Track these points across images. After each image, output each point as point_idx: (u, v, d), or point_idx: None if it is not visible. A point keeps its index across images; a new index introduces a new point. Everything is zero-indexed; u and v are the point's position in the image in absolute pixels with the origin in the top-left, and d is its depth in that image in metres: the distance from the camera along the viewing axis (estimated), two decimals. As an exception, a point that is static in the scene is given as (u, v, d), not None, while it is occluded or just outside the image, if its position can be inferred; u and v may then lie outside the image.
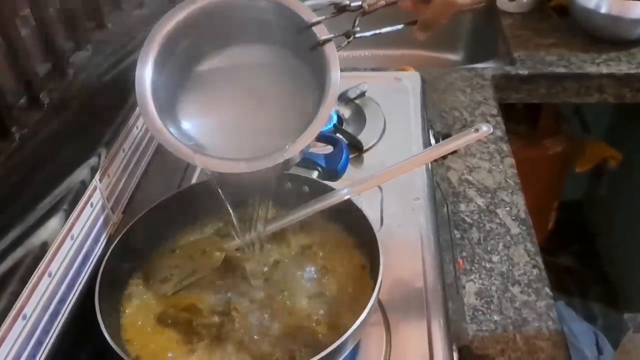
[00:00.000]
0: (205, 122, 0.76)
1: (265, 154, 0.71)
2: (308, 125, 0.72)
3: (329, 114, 0.73)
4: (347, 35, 0.78)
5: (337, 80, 0.73)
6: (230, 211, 0.76)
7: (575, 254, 2.32)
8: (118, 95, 0.85)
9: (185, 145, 0.71)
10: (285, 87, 0.78)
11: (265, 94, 0.78)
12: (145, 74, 0.73)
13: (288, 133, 0.73)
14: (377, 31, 0.80)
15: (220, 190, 0.74)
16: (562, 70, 1.53)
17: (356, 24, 0.78)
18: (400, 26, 0.83)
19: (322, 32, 0.74)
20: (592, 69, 1.52)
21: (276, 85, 0.78)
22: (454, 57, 1.90)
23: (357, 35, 0.78)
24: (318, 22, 0.75)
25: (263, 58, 0.78)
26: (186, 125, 0.76)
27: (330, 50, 0.74)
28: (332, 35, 0.74)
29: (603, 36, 1.61)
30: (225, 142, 0.75)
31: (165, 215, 0.83)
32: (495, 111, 1.40)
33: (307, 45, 0.75)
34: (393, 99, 1.21)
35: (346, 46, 0.78)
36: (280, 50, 0.78)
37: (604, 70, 1.52)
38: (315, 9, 0.76)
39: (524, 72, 1.53)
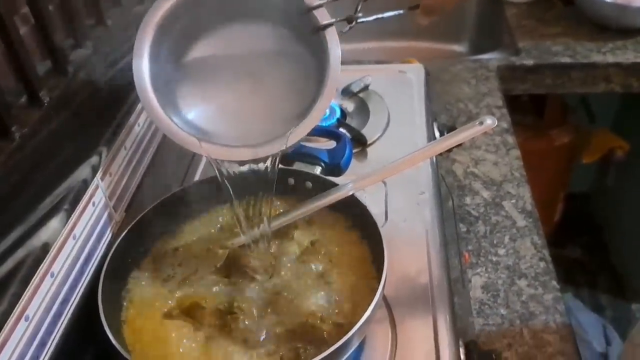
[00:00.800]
0: (206, 109, 0.76)
1: (267, 140, 0.71)
2: (309, 109, 0.72)
3: (330, 99, 0.72)
4: (349, 20, 0.77)
5: (338, 64, 0.73)
6: (234, 207, 0.75)
7: (583, 245, 2.31)
8: (119, 93, 0.85)
9: (188, 134, 0.71)
10: (285, 71, 0.77)
11: (264, 77, 0.77)
12: (143, 66, 0.73)
13: (289, 118, 0.73)
14: (380, 15, 0.79)
15: (226, 182, 0.74)
16: (568, 60, 1.52)
17: (358, 9, 0.77)
18: (402, 11, 0.82)
19: (323, 17, 0.74)
20: (598, 58, 1.51)
21: (275, 69, 0.77)
22: (459, 48, 1.89)
23: (359, 20, 0.77)
24: (319, 6, 0.74)
25: (261, 41, 0.77)
26: (188, 112, 0.75)
27: (331, 35, 0.74)
28: (333, 20, 0.74)
29: (609, 25, 1.59)
30: (228, 129, 0.75)
31: (168, 213, 0.82)
32: (500, 103, 1.39)
33: (308, 29, 0.74)
34: (397, 92, 1.21)
35: (348, 32, 0.77)
36: (279, 33, 0.76)
37: (611, 59, 1.50)
38: None
39: (529, 62, 1.52)
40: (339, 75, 0.73)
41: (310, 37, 0.74)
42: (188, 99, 0.76)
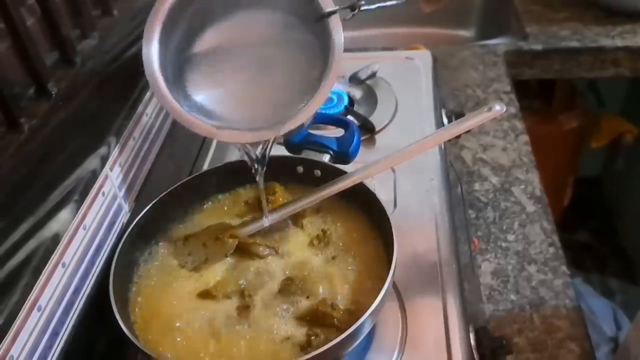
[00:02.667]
0: (214, 95, 0.77)
1: (272, 123, 0.72)
2: (313, 94, 0.73)
3: (331, 87, 0.73)
4: (352, 7, 0.77)
5: (341, 52, 0.73)
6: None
7: (592, 230, 2.30)
8: (126, 83, 0.85)
9: (194, 117, 0.73)
10: (292, 58, 0.78)
11: (271, 64, 0.77)
12: (152, 52, 0.73)
13: (294, 102, 0.73)
14: (382, 4, 0.80)
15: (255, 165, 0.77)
16: (576, 44, 1.50)
17: None
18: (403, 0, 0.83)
19: (327, 4, 0.74)
20: (606, 42, 1.50)
21: (282, 56, 0.78)
22: (466, 33, 1.88)
23: (362, 8, 0.78)
24: None
25: (268, 28, 0.78)
26: (197, 97, 0.76)
27: (335, 22, 0.74)
28: (337, 8, 0.74)
29: (617, 8, 1.58)
30: (236, 113, 0.76)
31: (178, 203, 0.83)
32: (508, 88, 1.38)
33: (312, 16, 0.75)
34: (404, 78, 1.20)
35: (352, 19, 0.78)
36: (286, 20, 0.77)
37: (619, 43, 1.49)
38: None
39: (537, 47, 1.51)
40: (341, 63, 0.73)
41: (315, 24, 0.75)
42: (197, 84, 0.77)
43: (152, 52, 0.73)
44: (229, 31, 0.77)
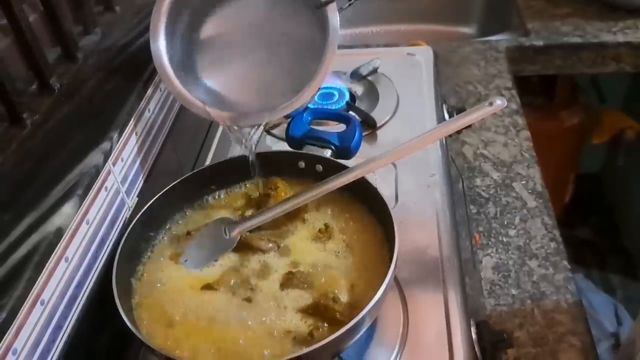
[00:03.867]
0: (221, 78, 0.83)
1: (276, 105, 0.79)
2: (310, 80, 0.79)
3: (327, 69, 0.79)
4: None
5: (337, 34, 0.79)
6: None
7: (593, 226, 2.30)
8: (129, 78, 0.85)
9: (203, 103, 0.80)
10: (294, 41, 0.83)
11: (275, 46, 0.83)
12: (160, 45, 0.80)
13: (296, 85, 0.80)
14: None
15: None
16: (577, 40, 1.50)
17: None
18: None
19: None
20: (608, 38, 1.50)
21: (285, 38, 0.83)
22: (467, 30, 1.88)
23: None
24: None
25: (271, 11, 0.83)
26: (206, 80, 0.83)
27: (332, 12, 0.79)
28: None
29: (619, 4, 1.58)
30: (244, 96, 0.82)
31: (180, 198, 0.83)
32: (509, 84, 1.38)
33: (313, 3, 0.79)
34: (406, 74, 1.20)
35: (348, 8, 0.83)
36: (286, 6, 0.82)
37: (621, 39, 1.49)
38: None
39: (538, 43, 1.51)
40: (336, 47, 0.79)
41: (315, 12, 0.79)
42: (205, 69, 0.83)
43: (159, 45, 0.80)
44: (234, 15, 0.83)
